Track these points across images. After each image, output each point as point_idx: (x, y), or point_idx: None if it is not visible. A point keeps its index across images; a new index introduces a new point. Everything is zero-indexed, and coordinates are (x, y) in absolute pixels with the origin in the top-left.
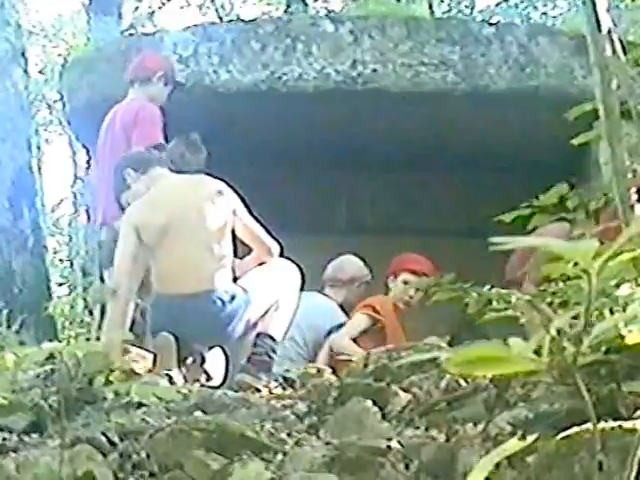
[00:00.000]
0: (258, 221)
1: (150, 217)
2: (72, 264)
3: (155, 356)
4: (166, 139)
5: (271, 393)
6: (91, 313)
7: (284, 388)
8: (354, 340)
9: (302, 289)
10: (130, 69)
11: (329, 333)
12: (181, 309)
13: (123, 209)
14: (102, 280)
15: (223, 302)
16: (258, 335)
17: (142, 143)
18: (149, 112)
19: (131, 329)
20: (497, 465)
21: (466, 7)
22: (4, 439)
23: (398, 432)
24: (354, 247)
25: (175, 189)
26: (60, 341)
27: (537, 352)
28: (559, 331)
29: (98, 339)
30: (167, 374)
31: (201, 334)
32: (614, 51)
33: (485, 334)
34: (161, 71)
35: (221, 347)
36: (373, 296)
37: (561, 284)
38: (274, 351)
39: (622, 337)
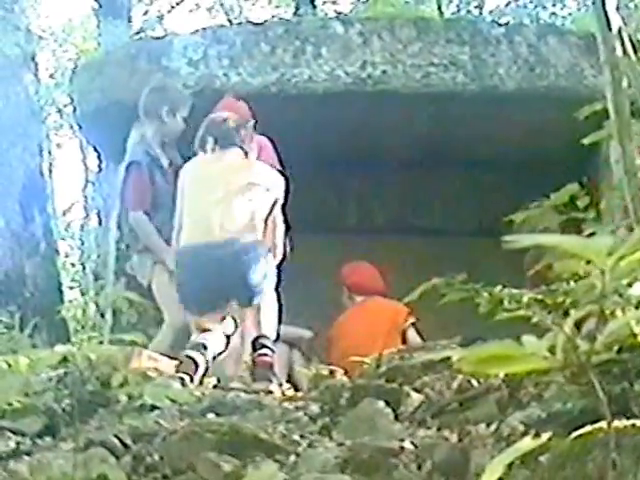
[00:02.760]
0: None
1: (195, 169)
2: (84, 268)
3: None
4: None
5: (284, 395)
6: (102, 316)
7: (296, 390)
8: None
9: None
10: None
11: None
12: (205, 257)
13: None
14: None
15: (246, 250)
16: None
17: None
18: (264, 144)
19: None
20: (510, 465)
21: (475, 8)
22: (18, 442)
23: (410, 433)
24: (364, 247)
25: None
26: (73, 344)
27: (550, 351)
28: (572, 330)
29: (111, 342)
30: (180, 377)
31: (224, 281)
32: (624, 50)
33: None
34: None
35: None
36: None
37: (572, 283)
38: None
39: (635, 336)
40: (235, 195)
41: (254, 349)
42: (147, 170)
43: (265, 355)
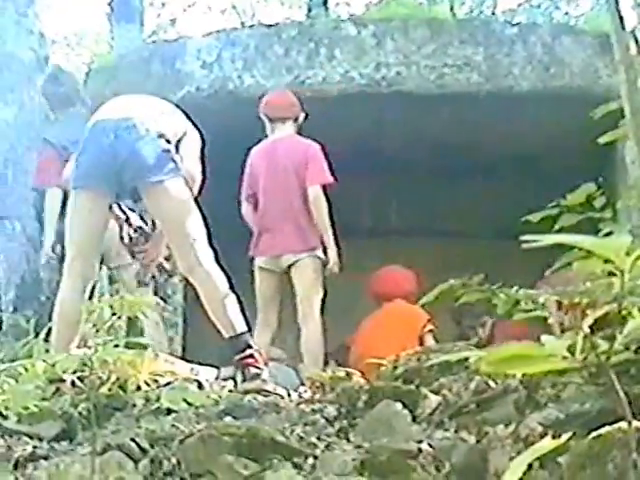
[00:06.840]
0: None
1: None
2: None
3: None
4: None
5: (301, 397)
6: (120, 318)
7: (314, 392)
8: None
9: None
10: (276, 108)
11: None
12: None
13: None
14: None
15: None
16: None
17: (315, 181)
18: (317, 151)
19: None
20: (529, 466)
21: (488, 8)
22: (35, 447)
23: (428, 434)
24: (379, 250)
25: None
26: (89, 348)
27: (569, 351)
28: (592, 330)
29: (126, 345)
30: (196, 380)
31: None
32: (639, 49)
33: None
34: (301, 110)
35: None
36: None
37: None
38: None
39: None
40: None
41: (236, 349)
42: None
43: (249, 357)
